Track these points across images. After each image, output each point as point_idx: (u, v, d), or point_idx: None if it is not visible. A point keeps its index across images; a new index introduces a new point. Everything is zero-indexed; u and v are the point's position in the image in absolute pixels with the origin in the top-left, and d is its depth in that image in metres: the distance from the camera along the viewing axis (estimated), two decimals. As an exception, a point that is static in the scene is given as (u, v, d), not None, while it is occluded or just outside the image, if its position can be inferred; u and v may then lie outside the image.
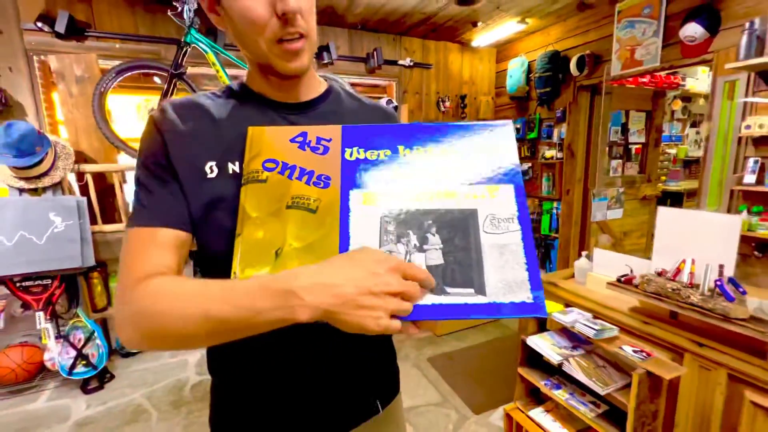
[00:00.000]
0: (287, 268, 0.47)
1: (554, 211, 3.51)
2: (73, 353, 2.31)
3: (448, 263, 0.47)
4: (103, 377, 2.44)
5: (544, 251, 3.61)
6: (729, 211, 2.25)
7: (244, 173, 0.53)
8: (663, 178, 4.98)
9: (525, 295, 0.45)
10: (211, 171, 0.54)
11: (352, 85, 3.04)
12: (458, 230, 0.49)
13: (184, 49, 2.36)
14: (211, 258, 0.56)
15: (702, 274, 1.10)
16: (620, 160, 3.61)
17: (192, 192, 0.53)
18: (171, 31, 2.72)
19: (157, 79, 3.69)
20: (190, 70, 2.59)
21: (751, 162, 2.15)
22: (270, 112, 0.59)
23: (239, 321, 0.41)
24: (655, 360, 1.16)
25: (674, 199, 4.71)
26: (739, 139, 2.19)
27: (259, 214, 0.51)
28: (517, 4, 2.94)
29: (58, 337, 2.30)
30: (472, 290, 0.45)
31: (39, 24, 2.34)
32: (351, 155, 0.53)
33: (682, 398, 1.25)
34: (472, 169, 0.51)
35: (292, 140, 0.53)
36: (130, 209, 0.55)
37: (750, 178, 2.13)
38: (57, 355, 2.28)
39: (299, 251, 0.49)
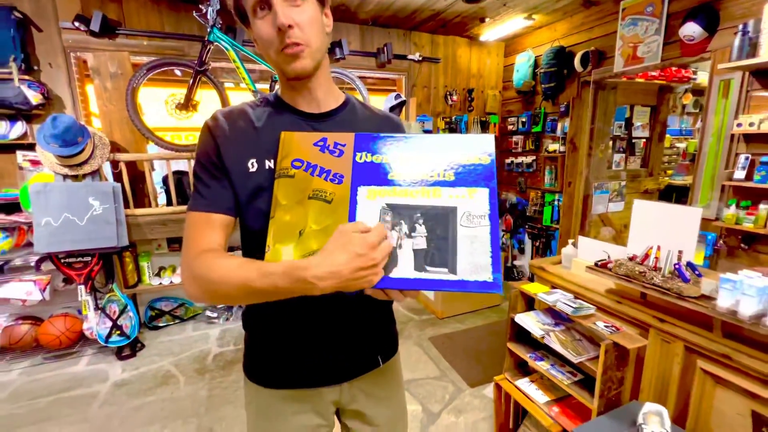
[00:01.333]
0: (308, 245, 0.63)
1: (556, 202, 3.63)
2: (109, 323, 2.57)
3: (430, 248, 0.60)
4: (134, 346, 2.71)
5: (545, 241, 3.74)
6: (719, 204, 2.35)
7: (277, 169, 0.68)
8: (669, 172, 5.01)
9: (487, 276, 0.58)
10: (253, 167, 0.70)
11: (362, 78, 3.18)
12: (440, 223, 0.61)
13: (208, 47, 2.54)
14: (252, 234, 0.72)
15: (665, 258, 1.25)
16: (623, 154, 3.69)
17: (239, 183, 0.70)
18: (194, 29, 2.90)
19: (177, 72, 3.90)
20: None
21: (742, 158, 2.24)
22: (298, 119, 0.75)
23: (269, 292, 0.57)
24: (623, 333, 1.32)
25: (680, 193, 4.74)
26: (732, 136, 2.28)
27: (287, 202, 0.66)
28: (523, 1, 3.03)
29: (96, 308, 2.56)
30: (446, 270, 0.59)
31: (76, 23, 2.54)
32: (360, 158, 0.66)
33: (646, 368, 1.41)
34: (456, 173, 0.64)
35: (315, 144, 0.68)
36: (190, 196, 0.73)
37: (740, 174, 2.23)
38: (95, 325, 2.55)
39: (317, 233, 0.63)
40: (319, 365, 0.78)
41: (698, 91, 5.21)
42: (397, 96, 3.08)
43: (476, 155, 0.65)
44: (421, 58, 3.73)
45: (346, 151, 0.67)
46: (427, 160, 0.65)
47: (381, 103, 3.35)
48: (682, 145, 5.41)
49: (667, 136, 5.04)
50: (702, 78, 4.39)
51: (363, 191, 0.64)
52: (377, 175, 0.65)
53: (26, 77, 2.48)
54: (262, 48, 0.69)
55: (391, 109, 3.03)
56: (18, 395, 2.23)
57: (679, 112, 5.38)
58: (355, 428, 0.88)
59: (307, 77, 0.71)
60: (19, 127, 2.52)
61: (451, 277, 0.59)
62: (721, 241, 2.37)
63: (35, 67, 2.58)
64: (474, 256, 0.59)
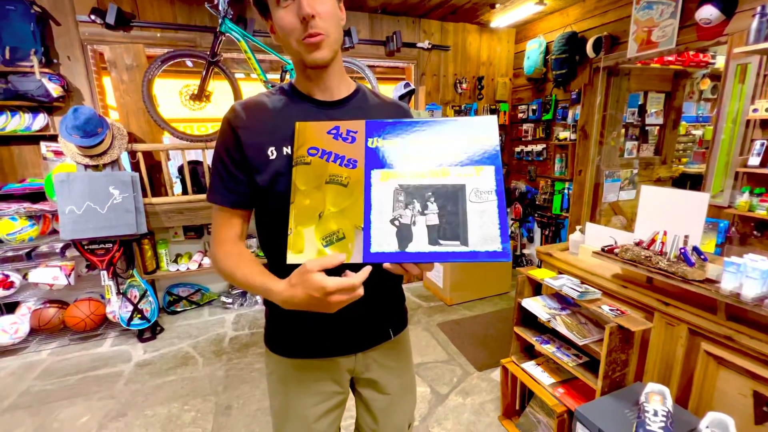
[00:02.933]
0: (327, 226, 0.68)
1: (566, 191, 3.62)
2: (130, 307, 2.69)
3: (442, 223, 0.65)
4: (155, 329, 2.83)
5: (554, 230, 3.74)
6: (733, 192, 2.33)
7: (294, 157, 0.72)
8: (684, 160, 4.91)
9: (496, 246, 0.63)
10: (272, 154, 0.75)
11: (371, 67, 3.19)
12: (450, 200, 0.66)
13: (220, 38, 2.58)
14: (272, 214, 0.77)
15: (670, 243, 1.27)
16: (636, 142, 3.64)
17: (260, 169, 0.75)
18: (205, 20, 2.94)
19: (189, 63, 3.96)
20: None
21: (757, 144, 2.21)
22: (312, 107, 0.79)
23: (259, 294, 0.70)
24: (627, 317, 1.35)
25: (694, 182, 4.65)
26: (747, 122, 2.24)
27: (306, 188, 0.70)
28: (534, -14, 2.98)
29: (118, 293, 2.68)
30: (458, 242, 0.64)
31: (92, 16, 2.60)
32: (372, 143, 0.70)
33: (651, 350, 1.44)
34: (463, 153, 0.68)
35: (328, 132, 0.72)
36: (209, 185, 0.80)
37: (755, 160, 2.20)
38: (117, 308, 2.67)
39: (335, 214, 0.68)
40: (336, 336, 0.84)
41: (717, 76, 5.04)
42: (407, 84, 3.08)
43: (481, 135, 0.69)
44: (430, 46, 3.71)
45: (358, 137, 0.71)
46: (435, 142, 0.69)
47: (390, 91, 3.36)
48: (698, 132, 5.27)
49: (683, 123, 4.92)
50: (721, 62, 4.26)
51: (376, 174, 0.68)
52: (388, 158, 0.69)
53: (46, 70, 2.57)
54: (283, 37, 0.72)
55: (401, 97, 3.04)
56: (49, 373, 2.37)
57: (696, 98, 5.23)
58: (369, 396, 0.94)
59: (324, 67, 0.75)
60: (41, 119, 2.61)
61: (463, 248, 0.63)
62: (733, 229, 2.35)
63: (55, 60, 2.66)
64: (483, 229, 0.64)
